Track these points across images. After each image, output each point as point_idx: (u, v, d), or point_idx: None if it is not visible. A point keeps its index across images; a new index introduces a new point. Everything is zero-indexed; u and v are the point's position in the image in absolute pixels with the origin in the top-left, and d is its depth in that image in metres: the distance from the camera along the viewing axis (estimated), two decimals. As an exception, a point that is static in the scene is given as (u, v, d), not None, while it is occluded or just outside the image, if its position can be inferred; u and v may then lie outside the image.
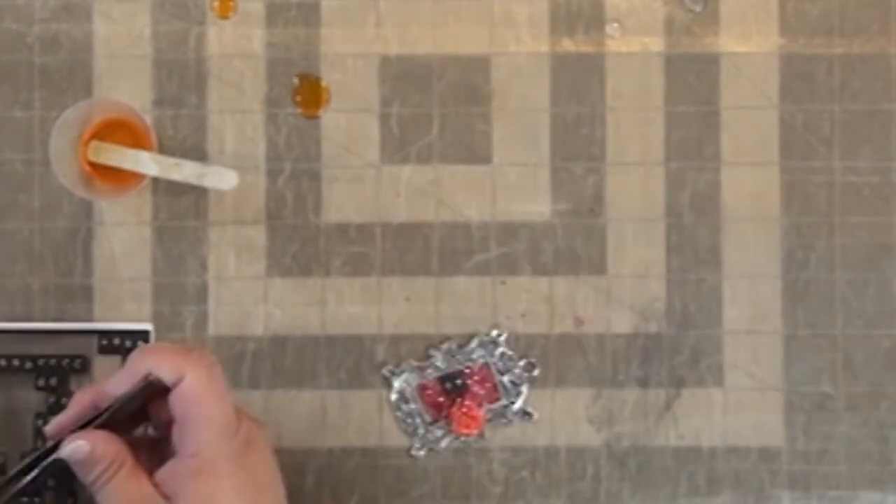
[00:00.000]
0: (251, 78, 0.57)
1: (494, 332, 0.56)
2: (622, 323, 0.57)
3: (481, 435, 0.56)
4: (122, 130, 0.55)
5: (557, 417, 0.57)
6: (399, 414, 0.56)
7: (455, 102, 0.57)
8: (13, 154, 0.57)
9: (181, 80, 0.57)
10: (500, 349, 0.56)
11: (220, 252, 0.57)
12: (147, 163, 0.53)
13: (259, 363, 0.57)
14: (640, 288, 0.57)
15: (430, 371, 0.56)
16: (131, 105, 0.54)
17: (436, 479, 0.56)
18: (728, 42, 0.57)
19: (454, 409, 0.55)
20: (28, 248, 0.57)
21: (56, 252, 0.57)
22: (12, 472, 0.45)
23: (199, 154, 0.57)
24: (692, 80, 0.57)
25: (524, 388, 0.56)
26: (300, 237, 0.57)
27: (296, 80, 0.57)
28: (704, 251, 0.57)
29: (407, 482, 0.56)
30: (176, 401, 0.46)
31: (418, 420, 0.56)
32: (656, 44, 0.57)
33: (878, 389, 0.57)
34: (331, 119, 0.57)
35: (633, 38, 0.57)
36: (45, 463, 0.45)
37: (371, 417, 0.56)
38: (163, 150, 0.56)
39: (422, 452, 0.56)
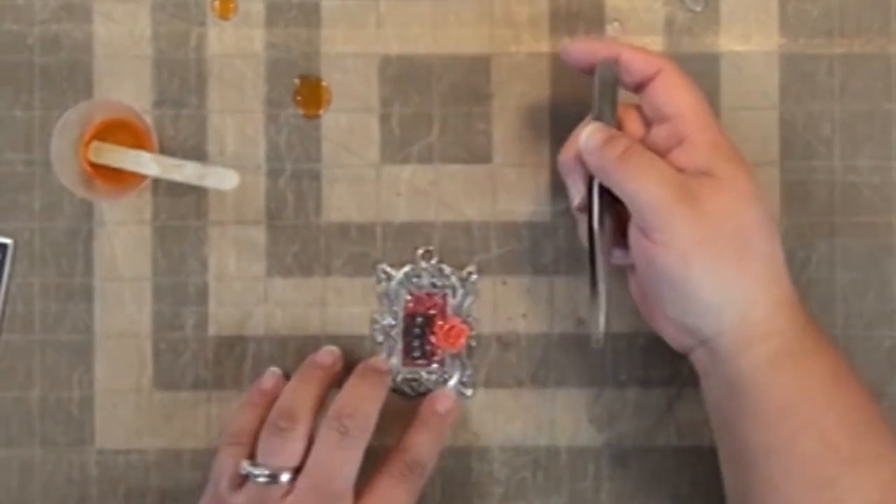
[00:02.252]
0: (252, 78, 0.57)
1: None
2: (622, 323, 0.57)
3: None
4: (122, 131, 0.55)
5: (558, 417, 0.57)
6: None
7: (455, 102, 0.57)
8: (13, 154, 0.57)
9: (181, 80, 0.57)
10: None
11: (220, 252, 0.57)
12: (148, 163, 0.53)
13: (259, 363, 0.57)
14: (641, 288, 0.57)
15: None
16: (132, 105, 0.54)
17: (436, 479, 0.56)
18: (728, 42, 0.57)
19: (437, 326, 0.56)
20: (28, 248, 0.57)
21: (56, 252, 0.57)
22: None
23: (199, 154, 0.57)
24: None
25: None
26: (300, 237, 0.57)
27: (296, 81, 0.57)
28: (705, 251, 0.57)
29: (407, 482, 0.56)
30: (659, 91, 0.50)
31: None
32: (656, 44, 0.57)
33: (878, 389, 0.57)
34: (331, 119, 0.57)
35: (634, 38, 0.57)
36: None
37: (371, 417, 0.56)
38: (163, 150, 0.56)
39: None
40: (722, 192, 0.48)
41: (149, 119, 0.56)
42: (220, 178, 0.53)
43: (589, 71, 0.51)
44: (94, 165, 0.54)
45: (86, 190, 0.54)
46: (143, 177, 0.54)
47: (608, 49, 0.51)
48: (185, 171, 0.53)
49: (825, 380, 0.48)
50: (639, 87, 0.51)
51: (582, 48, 0.52)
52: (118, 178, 0.55)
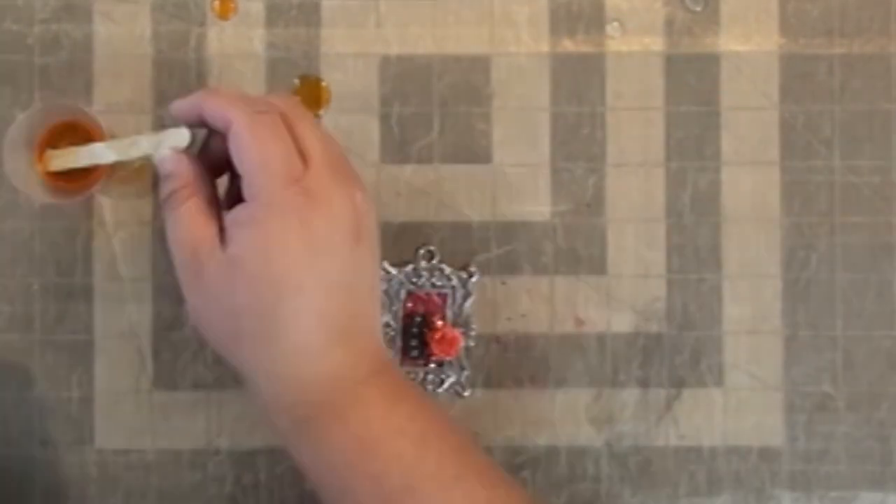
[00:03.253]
0: (251, 78, 0.57)
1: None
2: (622, 323, 0.57)
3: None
4: (73, 132, 0.52)
5: (558, 417, 0.57)
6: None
7: (455, 102, 0.57)
8: (13, 154, 0.57)
9: (181, 80, 0.57)
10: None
11: (220, 252, 0.57)
12: (104, 152, 0.50)
13: (259, 363, 0.56)
14: (641, 288, 0.57)
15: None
16: (75, 103, 0.52)
17: (436, 480, 0.56)
18: (728, 42, 0.57)
19: (429, 336, 0.56)
20: (28, 249, 0.57)
21: (56, 252, 0.57)
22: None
23: (199, 154, 0.57)
24: (692, 80, 0.57)
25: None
26: (300, 237, 0.57)
27: (296, 81, 0.57)
28: (704, 251, 0.57)
29: (407, 482, 0.56)
30: (230, 148, 0.45)
31: None
32: (656, 44, 0.57)
33: (879, 389, 0.57)
34: (331, 119, 0.57)
35: (634, 38, 0.57)
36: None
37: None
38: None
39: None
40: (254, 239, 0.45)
41: (148, 119, 0.56)
42: (175, 139, 0.49)
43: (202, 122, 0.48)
44: (52, 174, 0.52)
45: (53, 197, 0.52)
46: (105, 168, 0.51)
47: (193, 107, 0.47)
48: (142, 146, 0.50)
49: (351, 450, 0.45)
50: None
51: (181, 108, 0.48)
52: (82, 175, 0.52)
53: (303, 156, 0.45)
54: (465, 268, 0.56)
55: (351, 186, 0.46)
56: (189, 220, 0.46)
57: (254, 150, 0.45)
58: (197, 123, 0.47)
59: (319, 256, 0.45)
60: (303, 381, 0.45)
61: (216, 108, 0.46)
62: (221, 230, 0.45)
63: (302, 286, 0.44)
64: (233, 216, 0.45)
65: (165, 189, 0.47)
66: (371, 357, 0.47)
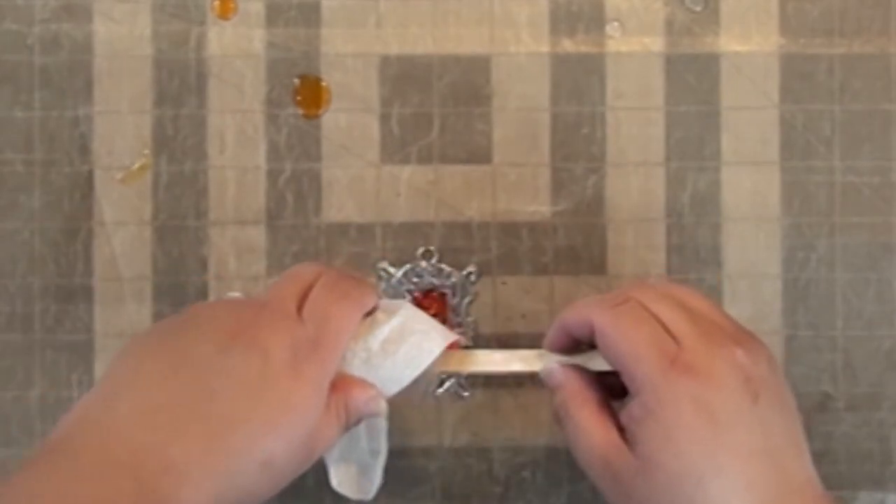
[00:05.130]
0: (251, 78, 0.57)
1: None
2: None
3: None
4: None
5: (558, 417, 0.57)
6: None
7: (455, 102, 0.57)
8: (13, 154, 0.57)
9: (181, 80, 0.57)
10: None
11: (220, 252, 0.57)
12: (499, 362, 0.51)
13: (259, 363, 0.56)
14: (641, 288, 0.57)
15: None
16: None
17: (436, 479, 0.56)
18: (728, 42, 0.57)
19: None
20: (28, 248, 0.57)
21: (56, 252, 0.57)
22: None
23: (199, 154, 0.57)
24: (692, 80, 0.57)
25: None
26: (300, 237, 0.57)
27: (296, 81, 0.57)
28: (704, 251, 0.57)
29: (407, 482, 0.56)
30: (601, 350, 0.46)
31: None
32: (656, 44, 0.57)
33: (879, 390, 0.57)
34: (331, 119, 0.57)
35: (633, 38, 0.57)
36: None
37: (371, 417, 0.56)
38: (163, 150, 0.56)
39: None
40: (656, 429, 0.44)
41: (148, 118, 0.56)
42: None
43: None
44: None
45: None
46: None
47: (558, 331, 0.49)
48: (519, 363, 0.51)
49: None
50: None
51: (552, 342, 0.49)
52: None
53: (672, 335, 0.45)
54: (464, 268, 0.56)
55: (728, 346, 0.45)
56: (588, 428, 0.46)
57: (622, 344, 0.45)
58: (571, 344, 0.48)
59: (720, 428, 0.43)
60: None
61: (576, 319, 0.47)
62: (620, 429, 0.45)
63: (720, 467, 0.43)
64: (627, 414, 0.44)
65: (557, 399, 0.48)
66: None
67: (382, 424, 0.48)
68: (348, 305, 0.47)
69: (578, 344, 0.48)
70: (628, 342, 0.45)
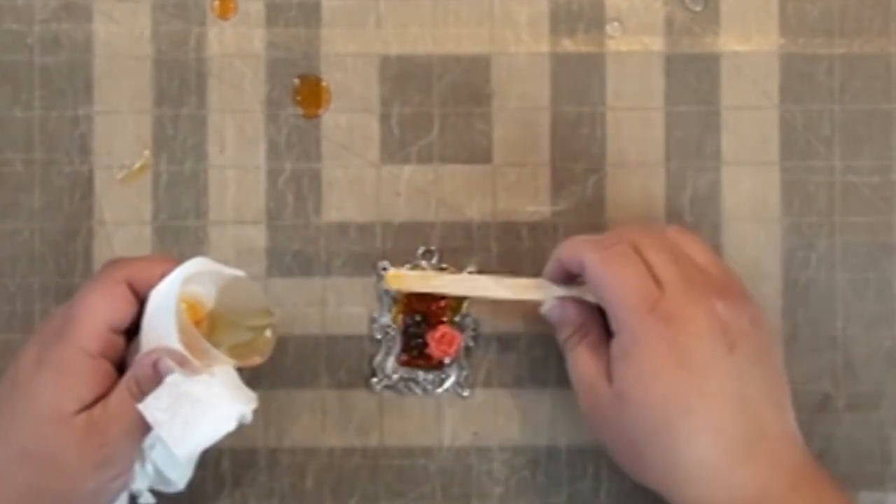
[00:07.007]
0: (251, 78, 0.57)
1: None
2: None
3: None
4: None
5: (558, 417, 0.57)
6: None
7: (455, 102, 0.57)
8: (13, 154, 0.57)
9: (181, 80, 0.57)
10: None
11: (220, 252, 0.57)
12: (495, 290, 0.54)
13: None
14: (641, 288, 0.57)
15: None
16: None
17: (436, 479, 0.56)
18: (728, 42, 0.57)
19: (429, 335, 0.55)
20: (28, 248, 0.57)
21: (56, 252, 0.57)
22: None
23: (199, 154, 0.57)
24: (692, 80, 0.57)
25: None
26: (300, 237, 0.57)
27: (296, 80, 0.57)
28: (704, 251, 0.57)
29: (407, 482, 0.56)
30: (590, 287, 0.49)
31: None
32: (656, 43, 0.57)
33: (879, 389, 0.57)
34: (331, 119, 0.57)
35: (633, 38, 0.57)
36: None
37: (371, 417, 0.56)
38: (163, 150, 0.56)
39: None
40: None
41: (148, 118, 0.56)
42: None
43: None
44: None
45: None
46: None
47: (555, 263, 0.51)
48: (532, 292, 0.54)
49: None
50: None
51: (551, 273, 0.52)
52: None
53: (657, 280, 0.46)
54: (464, 268, 0.56)
55: (709, 298, 0.46)
56: (581, 361, 0.49)
57: (608, 284, 0.47)
58: (568, 276, 0.51)
59: (695, 374, 0.45)
60: None
61: (569, 256, 0.49)
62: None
63: (689, 407, 0.44)
64: (612, 352, 0.47)
65: (560, 335, 0.51)
66: (787, 469, 0.45)
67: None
68: (90, 285, 0.48)
69: (575, 276, 0.50)
70: (613, 284, 0.47)
